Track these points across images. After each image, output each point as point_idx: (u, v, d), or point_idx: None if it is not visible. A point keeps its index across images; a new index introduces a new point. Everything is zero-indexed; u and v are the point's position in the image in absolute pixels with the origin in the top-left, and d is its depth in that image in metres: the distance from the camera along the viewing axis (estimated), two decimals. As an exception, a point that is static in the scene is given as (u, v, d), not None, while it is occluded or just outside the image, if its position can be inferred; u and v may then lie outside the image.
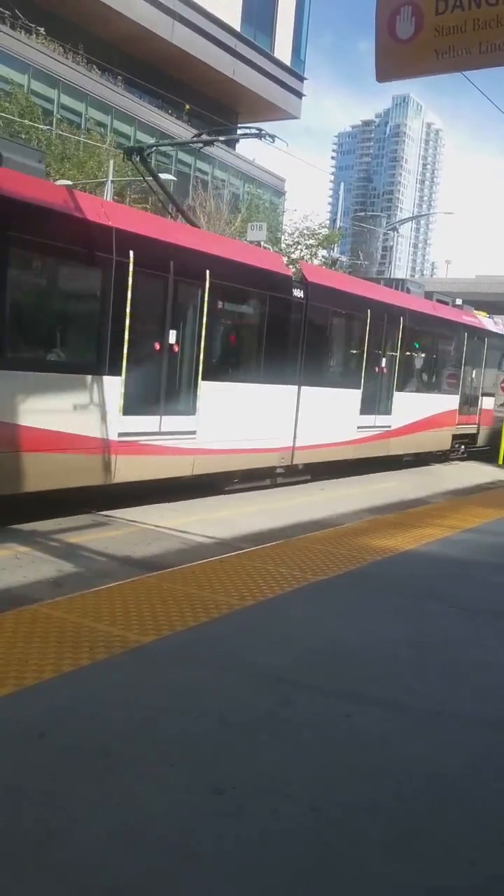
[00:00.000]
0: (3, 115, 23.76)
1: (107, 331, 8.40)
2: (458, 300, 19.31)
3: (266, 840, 2.58)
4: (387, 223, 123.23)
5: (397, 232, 66.23)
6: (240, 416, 10.58)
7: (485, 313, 19.84)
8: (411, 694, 3.92)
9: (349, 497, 11.07)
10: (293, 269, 12.28)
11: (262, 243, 20.09)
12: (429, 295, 17.68)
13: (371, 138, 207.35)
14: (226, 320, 10.82)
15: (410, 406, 15.08)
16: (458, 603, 5.65)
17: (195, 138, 15.62)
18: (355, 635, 4.72)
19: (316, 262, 32.21)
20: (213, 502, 9.99)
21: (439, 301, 17.42)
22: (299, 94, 39.48)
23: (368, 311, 13.39)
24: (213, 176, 36.17)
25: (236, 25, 34.43)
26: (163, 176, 22.87)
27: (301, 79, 39.42)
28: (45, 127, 25.91)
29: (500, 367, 19.38)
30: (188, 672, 3.93)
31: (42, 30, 27.67)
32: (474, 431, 18.37)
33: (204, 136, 15.01)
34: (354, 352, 13.53)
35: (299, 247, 32.66)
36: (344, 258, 50.75)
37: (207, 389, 9.83)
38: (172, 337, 9.29)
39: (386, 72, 6.51)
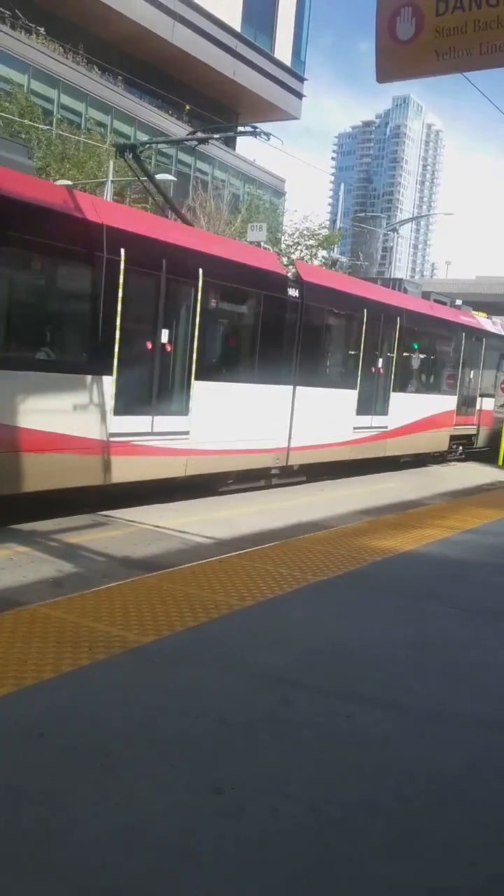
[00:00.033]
0: (3, 115, 23.79)
1: (97, 330, 8.32)
2: (457, 301, 19.33)
3: (266, 840, 2.58)
4: (387, 224, 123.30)
5: (397, 233, 66.19)
6: (234, 416, 10.51)
7: (484, 314, 19.84)
8: (411, 694, 3.92)
9: (349, 497, 11.06)
10: (288, 268, 12.23)
11: (262, 244, 20.07)
12: (427, 295, 17.68)
13: (371, 139, 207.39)
14: (219, 319, 10.74)
15: (407, 407, 15.02)
16: (458, 603, 5.65)
17: (190, 136, 15.59)
18: (355, 636, 4.72)
19: (316, 262, 32.22)
20: (212, 503, 9.97)
21: (437, 301, 17.40)
22: (299, 95, 39.53)
23: (365, 310, 13.32)
24: (213, 176, 36.19)
25: (237, 26, 34.46)
26: (162, 176, 23.04)
27: (301, 79, 39.47)
28: (45, 127, 25.94)
29: (500, 368, 19.40)
30: (188, 672, 3.93)
31: (42, 30, 27.70)
32: (473, 432, 18.36)
33: (199, 134, 14.99)
34: (350, 352, 13.46)
35: (299, 247, 32.70)
36: (344, 259, 50.77)
37: (200, 389, 9.75)
38: (165, 336, 9.22)
39: (386, 73, 6.52)
